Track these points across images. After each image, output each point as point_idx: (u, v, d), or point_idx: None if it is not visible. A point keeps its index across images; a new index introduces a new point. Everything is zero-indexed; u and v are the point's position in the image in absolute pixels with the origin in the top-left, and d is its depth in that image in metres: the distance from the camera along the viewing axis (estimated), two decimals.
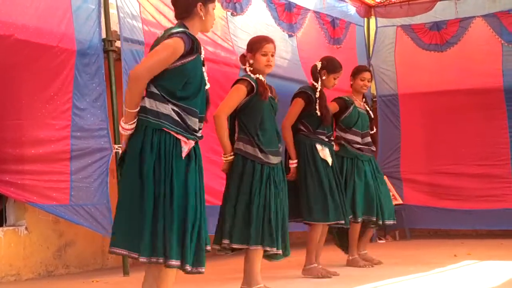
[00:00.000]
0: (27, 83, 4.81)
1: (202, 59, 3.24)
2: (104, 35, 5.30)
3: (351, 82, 5.65)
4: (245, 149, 4.09)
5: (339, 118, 5.53)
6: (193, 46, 3.12)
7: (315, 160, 4.93)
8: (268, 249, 4.05)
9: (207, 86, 3.27)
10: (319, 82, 5.04)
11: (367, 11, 8.65)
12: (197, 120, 3.17)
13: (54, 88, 4.95)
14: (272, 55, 4.20)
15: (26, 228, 5.21)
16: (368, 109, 5.73)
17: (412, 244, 5.93)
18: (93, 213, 5.10)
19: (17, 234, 5.14)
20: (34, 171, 4.84)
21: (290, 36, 7.36)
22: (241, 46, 6.67)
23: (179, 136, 3.10)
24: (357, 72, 5.67)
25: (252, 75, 4.18)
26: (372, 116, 5.75)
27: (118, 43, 5.39)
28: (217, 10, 6.36)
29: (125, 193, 3.12)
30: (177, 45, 3.08)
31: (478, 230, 8.00)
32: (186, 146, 3.11)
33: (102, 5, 5.30)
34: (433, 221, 7.89)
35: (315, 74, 5.09)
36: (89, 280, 5.06)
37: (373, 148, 5.68)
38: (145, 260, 3.03)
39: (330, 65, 5.10)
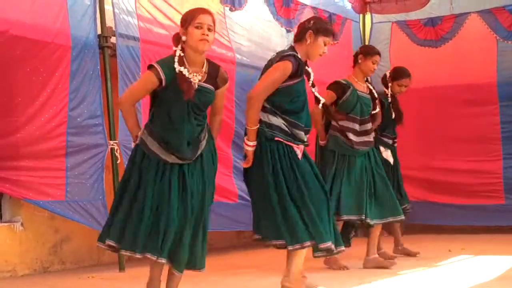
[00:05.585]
0: (23, 79, 4.79)
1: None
2: (99, 31, 5.29)
3: (359, 61, 5.16)
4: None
5: (337, 104, 5.08)
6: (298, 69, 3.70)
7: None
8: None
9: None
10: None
11: (363, 7, 8.64)
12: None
13: (50, 85, 4.94)
14: (209, 29, 3.41)
15: (21, 224, 5.21)
16: (371, 88, 5.26)
17: (407, 239, 5.93)
18: (88, 209, 5.11)
19: (12, 230, 5.15)
20: (30, 167, 4.84)
21: (288, 31, 7.31)
22: (238, 41, 6.66)
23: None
24: (370, 53, 5.17)
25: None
26: (376, 95, 5.30)
27: (113, 39, 5.38)
28: (215, 5, 6.36)
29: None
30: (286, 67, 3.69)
31: (472, 225, 8.02)
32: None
33: (97, 1, 5.29)
34: (427, 216, 7.89)
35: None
36: (85, 276, 5.08)
37: (369, 139, 5.14)
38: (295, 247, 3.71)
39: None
